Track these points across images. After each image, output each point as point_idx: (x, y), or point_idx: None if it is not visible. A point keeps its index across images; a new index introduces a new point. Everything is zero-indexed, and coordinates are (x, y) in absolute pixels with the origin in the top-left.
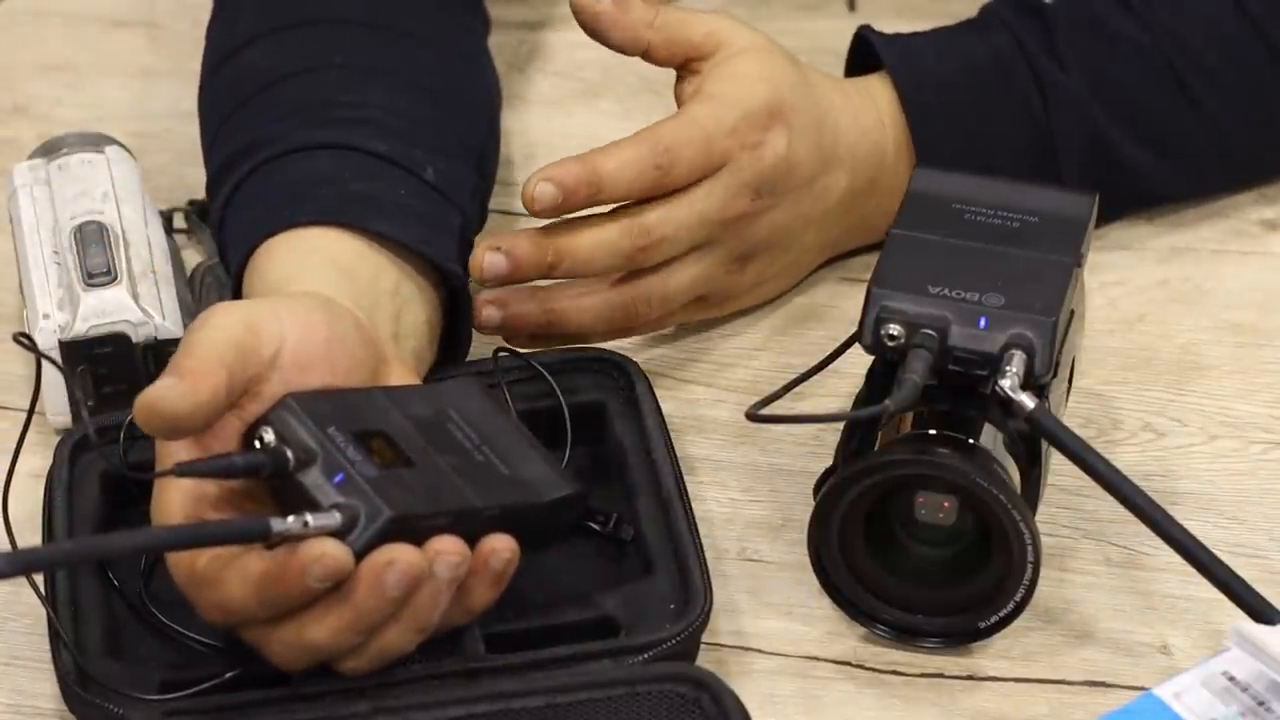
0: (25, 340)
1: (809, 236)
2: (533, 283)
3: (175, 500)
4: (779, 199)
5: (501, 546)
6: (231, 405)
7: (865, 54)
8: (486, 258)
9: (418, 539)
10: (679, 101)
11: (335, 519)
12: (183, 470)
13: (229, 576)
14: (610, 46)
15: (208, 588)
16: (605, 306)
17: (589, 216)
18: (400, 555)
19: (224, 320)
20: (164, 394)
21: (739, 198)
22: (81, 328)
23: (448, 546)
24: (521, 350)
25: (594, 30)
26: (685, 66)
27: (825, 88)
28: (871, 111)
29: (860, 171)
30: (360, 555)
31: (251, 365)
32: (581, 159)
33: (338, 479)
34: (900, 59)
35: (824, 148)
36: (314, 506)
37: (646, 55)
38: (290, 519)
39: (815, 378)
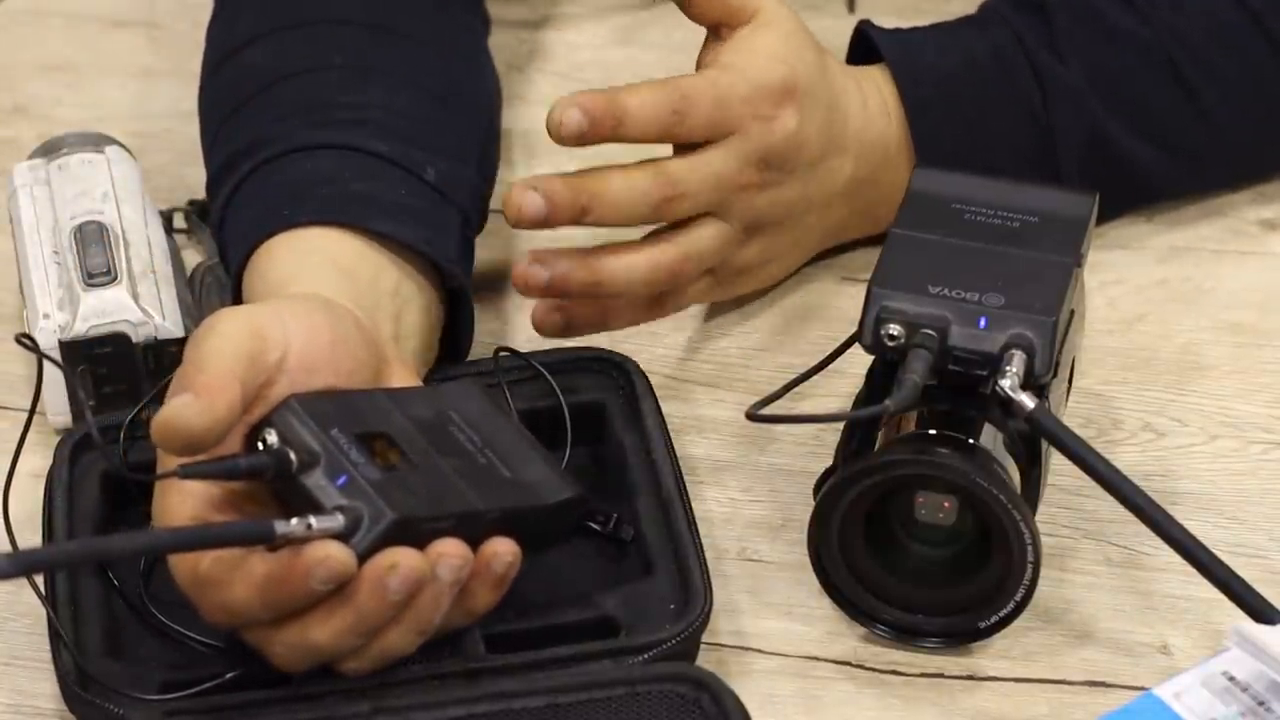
0: (27, 341)
1: (811, 218)
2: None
3: (178, 502)
4: (785, 175)
5: (503, 550)
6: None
7: (865, 49)
8: (526, 197)
9: (420, 541)
10: (699, 66)
11: (338, 521)
12: (186, 472)
13: (232, 578)
14: None
15: (211, 589)
16: (651, 267)
17: (617, 165)
18: (403, 559)
19: (230, 328)
20: (181, 413)
21: (748, 167)
22: (81, 328)
23: (450, 549)
24: (521, 350)
25: None
26: (715, 29)
27: (839, 73)
28: (878, 101)
29: (865, 159)
30: (363, 558)
31: (262, 373)
32: (606, 92)
33: (340, 481)
34: (900, 53)
35: (832, 131)
36: (317, 508)
37: (685, 6)
38: (294, 521)
39: (815, 378)
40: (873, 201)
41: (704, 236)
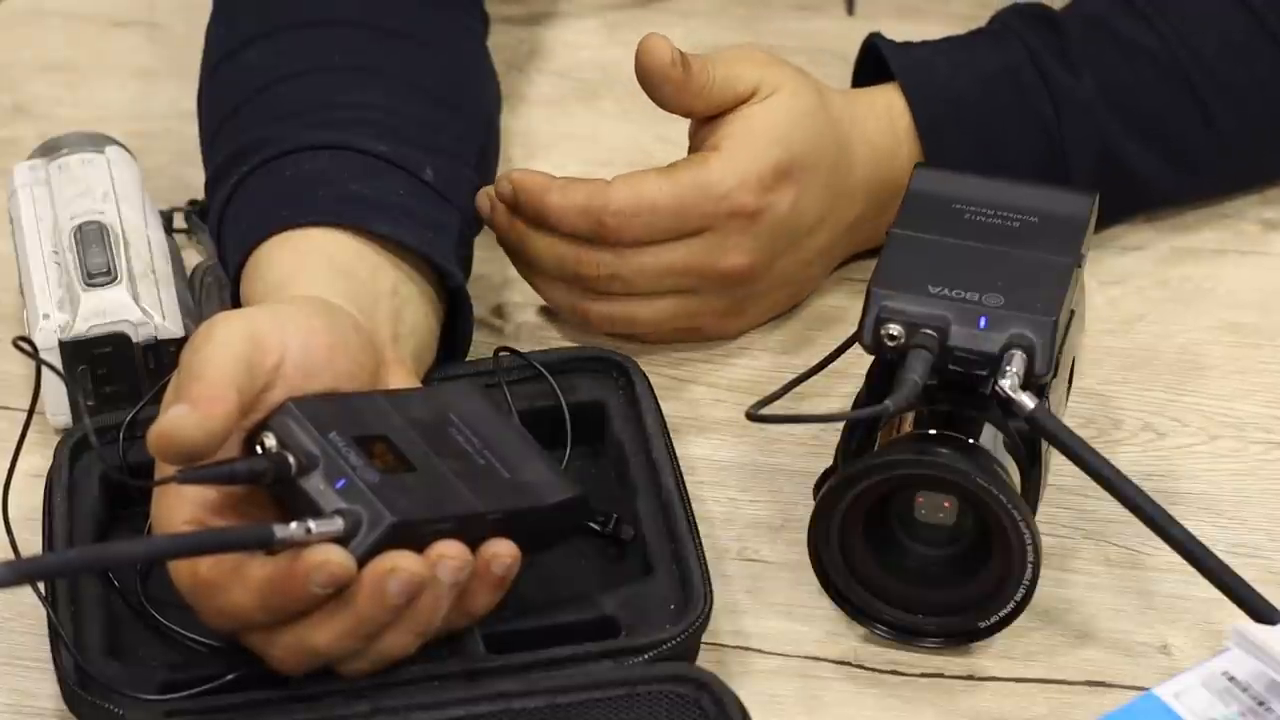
0: (26, 346)
1: (815, 268)
2: None
3: (177, 506)
4: (781, 252)
5: (503, 551)
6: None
7: (874, 60)
8: (482, 191)
9: (420, 544)
10: (691, 140)
11: (338, 525)
12: (185, 477)
13: (231, 583)
14: (663, 107)
15: (210, 594)
16: (557, 260)
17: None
18: (402, 562)
19: (227, 335)
20: (179, 424)
21: (730, 254)
22: (82, 328)
23: (450, 551)
24: (522, 350)
25: (654, 93)
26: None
27: (844, 122)
28: (887, 131)
29: (873, 197)
30: (363, 561)
31: (259, 379)
32: (541, 179)
33: (340, 484)
34: (911, 70)
35: (834, 190)
36: (316, 512)
37: (689, 113)
38: (293, 525)
39: (815, 378)
40: (879, 227)
41: (647, 308)
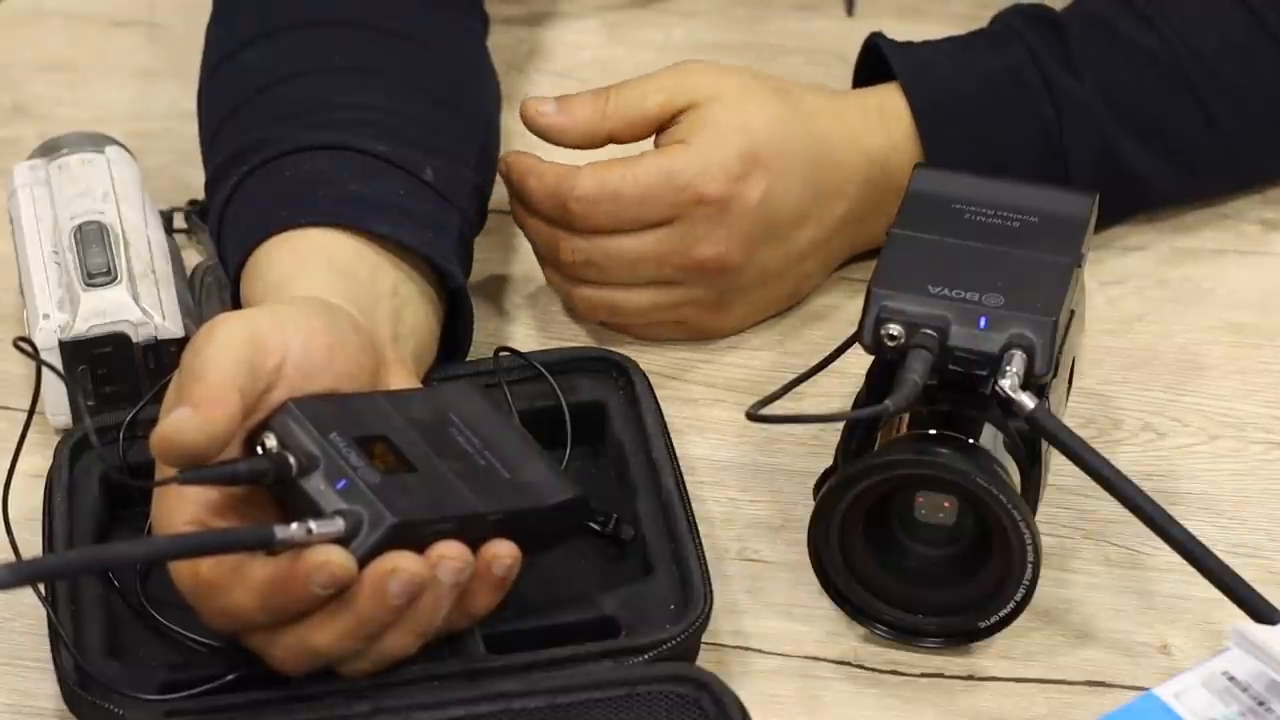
0: (26, 346)
1: (807, 264)
2: None
3: (177, 507)
4: (759, 243)
5: (503, 552)
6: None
7: (876, 60)
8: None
9: (421, 544)
10: (656, 142)
11: (339, 525)
12: (185, 478)
13: (232, 583)
14: (578, 148)
15: (210, 594)
16: (544, 243)
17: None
18: (403, 563)
19: (228, 337)
20: (181, 427)
21: (702, 243)
22: (82, 328)
23: (451, 552)
24: (521, 350)
25: (548, 140)
26: (660, 132)
27: (823, 118)
28: (879, 131)
29: (863, 195)
30: (364, 562)
31: (260, 381)
32: (526, 162)
33: (340, 485)
34: (912, 70)
35: (816, 184)
36: (317, 512)
37: (613, 141)
38: (294, 526)
39: (815, 378)
40: (881, 227)
41: (630, 297)
